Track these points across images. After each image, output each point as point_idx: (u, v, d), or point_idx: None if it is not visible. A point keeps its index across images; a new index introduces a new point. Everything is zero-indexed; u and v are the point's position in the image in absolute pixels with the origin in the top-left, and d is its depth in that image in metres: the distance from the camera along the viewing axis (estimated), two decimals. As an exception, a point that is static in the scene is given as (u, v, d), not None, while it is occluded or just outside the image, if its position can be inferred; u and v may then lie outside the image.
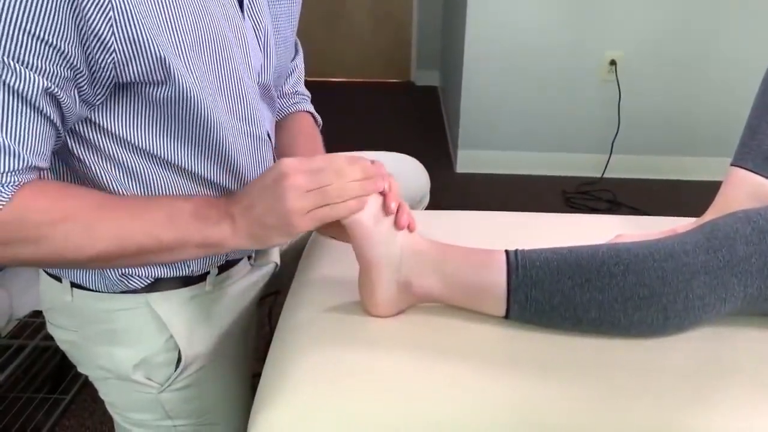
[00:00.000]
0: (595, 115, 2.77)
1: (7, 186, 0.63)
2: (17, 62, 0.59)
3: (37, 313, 1.61)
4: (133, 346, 0.85)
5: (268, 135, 0.89)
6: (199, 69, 0.72)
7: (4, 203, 0.63)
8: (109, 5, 0.61)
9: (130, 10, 0.62)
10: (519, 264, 0.75)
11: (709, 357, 0.74)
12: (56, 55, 0.61)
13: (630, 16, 2.59)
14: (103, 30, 0.62)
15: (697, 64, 2.67)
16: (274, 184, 0.68)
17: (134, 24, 0.63)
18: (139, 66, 0.66)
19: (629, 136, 2.77)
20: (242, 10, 0.80)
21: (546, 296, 0.73)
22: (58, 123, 0.66)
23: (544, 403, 0.68)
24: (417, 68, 4.15)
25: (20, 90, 0.60)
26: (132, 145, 0.74)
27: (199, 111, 0.74)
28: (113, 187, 0.76)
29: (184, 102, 0.72)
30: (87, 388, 1.62)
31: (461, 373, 0.72)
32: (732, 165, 0.95)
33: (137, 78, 0.67)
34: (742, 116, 0.97)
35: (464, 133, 2.85)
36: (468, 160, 2.89)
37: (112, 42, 0.63)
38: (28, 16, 0.58)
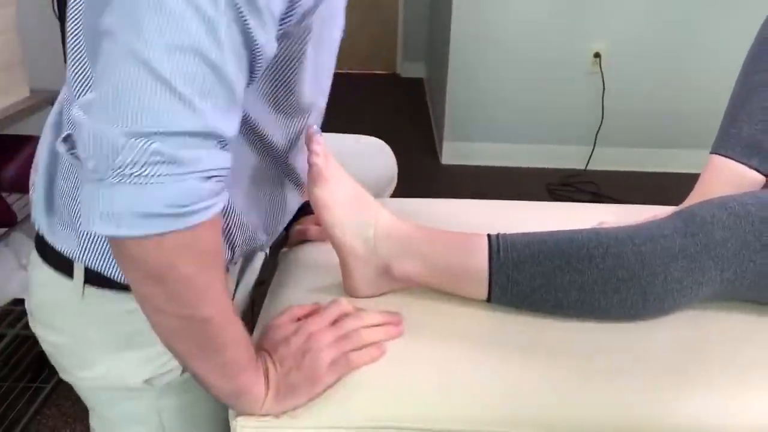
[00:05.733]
0: (580, 108, 2.79)
1: (216, 197, 0.55)
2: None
3: (18, 301, 1.60)
4: (145, 348, 0.77)
5: None
6: None
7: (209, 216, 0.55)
8: None
9: None
10: (500, 246, 0.76)
11: (692, 339, 0.75)
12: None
13: (615, 8, 2.61)
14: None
15: (681, 56, 2.69)
16: (305, 345, 0.68)
17: None
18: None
19: (613, 128, 2.79)
20: None
21: (527, 278, 0.74)
22: None
23: (528, 386, 0.68)
24: (403, 60, 4.14)
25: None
26: None
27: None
28: None
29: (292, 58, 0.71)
30: (69, 377, 1.60)
31: (447, 357, 0.72)
32: (712, 153, 0.95)
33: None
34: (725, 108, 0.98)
35: (449, 125, 2.86)
36: (453, 152, 2.89)
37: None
38: None
